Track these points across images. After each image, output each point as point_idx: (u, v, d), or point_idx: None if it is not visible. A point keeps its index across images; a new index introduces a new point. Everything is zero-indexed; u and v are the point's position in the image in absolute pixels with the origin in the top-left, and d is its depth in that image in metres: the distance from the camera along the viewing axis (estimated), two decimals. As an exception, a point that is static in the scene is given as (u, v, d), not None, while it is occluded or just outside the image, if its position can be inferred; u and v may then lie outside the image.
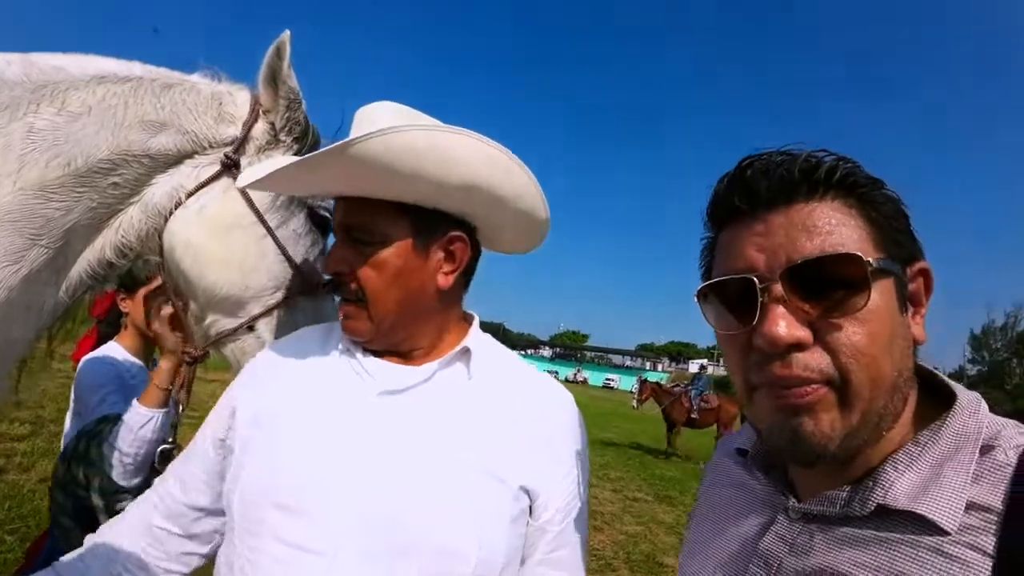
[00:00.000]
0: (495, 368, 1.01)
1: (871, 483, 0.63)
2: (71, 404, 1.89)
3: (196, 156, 1.13)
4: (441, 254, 0.98)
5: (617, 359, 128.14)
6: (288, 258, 1.19)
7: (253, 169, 1.04)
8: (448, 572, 0.83)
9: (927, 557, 0.56)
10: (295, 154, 1.19)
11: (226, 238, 1.13)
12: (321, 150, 0.86)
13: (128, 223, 1.09)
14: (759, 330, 0.63)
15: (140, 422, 1.41)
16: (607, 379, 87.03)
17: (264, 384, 1.01)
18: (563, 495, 0.95)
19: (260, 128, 1.18)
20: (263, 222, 1.16)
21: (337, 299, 0.99)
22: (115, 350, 1.92)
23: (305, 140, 1.22)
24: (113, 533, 1.03)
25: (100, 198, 1.03)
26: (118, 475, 1.41)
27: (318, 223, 1.27)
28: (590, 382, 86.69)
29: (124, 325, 2.01)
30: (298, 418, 0.93)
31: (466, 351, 0.99)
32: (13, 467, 4.82)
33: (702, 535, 0.84)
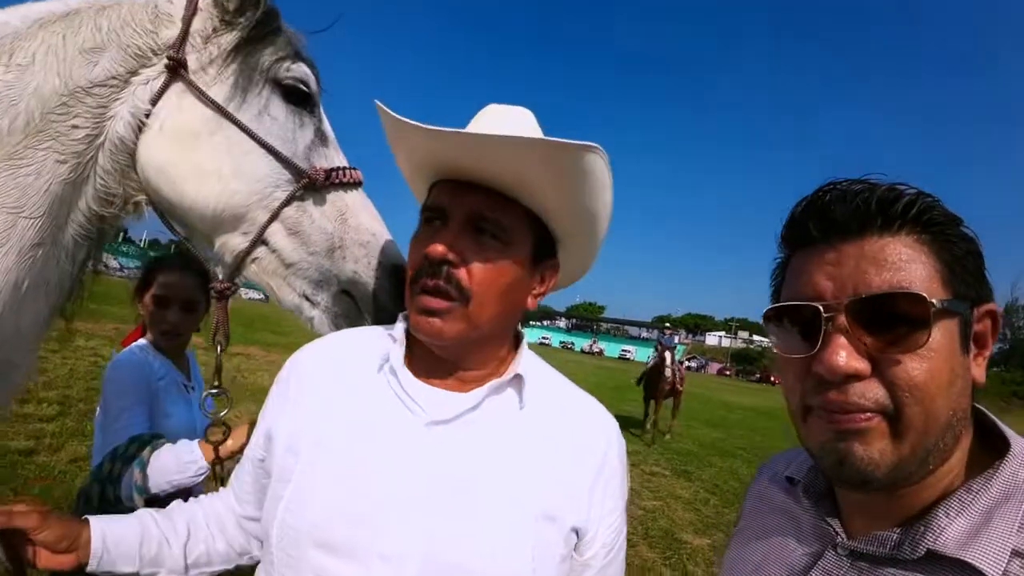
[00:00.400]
0: (543, 394, 0.96)
1: (922, 527, 0.64)
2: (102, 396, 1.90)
3: (143, 70, 1.02)
4: (539, 277, 0.97)
5: (634, 331, 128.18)
6: (273, 151, 1.07)
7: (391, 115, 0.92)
8: None
9: None
10: (248, 30, 1.08)
11: (195, 147, 1.02)
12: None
13: (102, 167, 1.01)
14: (819, 357, 0.65)
15: (194, 471, 1.44)
16: (623, 350, 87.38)
17: (298, 407, 0.94)
18: (608, 530, 0.92)
19: (203, 18, 1.07)
20: (226, 115, 1.04)
21: (417, 289, 0.90)
22: (144, 348, 1.93)
23: (254, 11, 1.09)
24: (213, 501, 1.09)
25: (65, 147, 0.96)
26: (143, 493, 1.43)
27: (296, 101, 1.13)
28: (606, 353, 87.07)
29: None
30: (339, 450, 0.86)
31: (518, 378, 0.94)
32: (43, 448, 4.88)
33: (746, 562, 0.85)
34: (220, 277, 1.13)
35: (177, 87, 1.03)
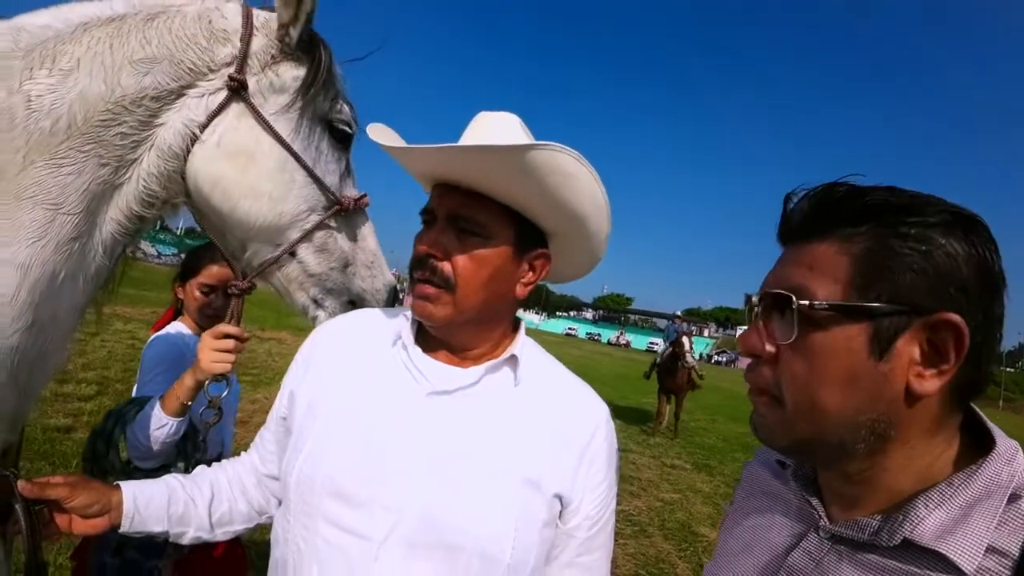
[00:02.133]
0: (538, 376, 1.05)
1: (901, 517, 0.65)
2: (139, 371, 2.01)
3: (199, 84, 1.07)
4: (527, 266, 1.04)
5: (662, 322, 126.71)
6: (317, 180, 1.18)
7: (387, 133, 1.06)
8: (484, 571, 0.89)
9: None
10: (310, 68, 1.16)
11: (251, 168, 1.10)
12: (498, 144, 0.91)
13: (147, 171, 1.05)
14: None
15: (156, 424, 1.44)
16: (651, 343, 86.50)
17: (319, 372, 1.06)
18: (593, 504, 1.00)
19: (261, 42, 1.12)
20: (286, 146, 1.13)
21: (414, 280, 1.02)
22: (180, 329, 2.04)
23: (315, 53, 1.16)
24: (235, 465, 1.18)
25: (109, 152, 1.00)
26: (134, 458, 1.47)
27: (339, 138, 1.25)
28: (633, 345, 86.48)
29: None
30: (354, 413, 0.98)
31: (513, 358, 1.03)
32: (81, 426, 5.10)
33: (735, 541, 0.88)
34: (242, 277, 1.26)
35: (236, 107, 1.09)
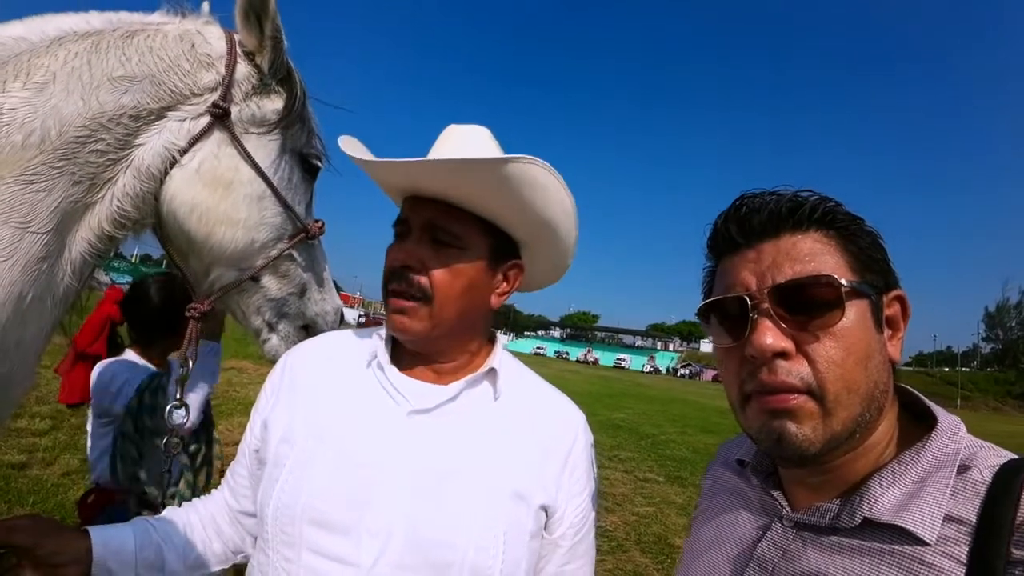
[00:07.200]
0: (516, 387, 1.05)
1: (858, 498, 0.69)
2: (91, 404, 1.93)
3: (180, 107, 1.06)
4: (501, 276, 1.05)
5: (628, 339, 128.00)
6: (290, 209, 1.21)
7: (356, 146, 1.05)
8: None
9: (908, 565, 0.63)
10: (288, 101, 1.18)
11: (229, 196, 1.12)
12: (473, 158, 0.92)
13: (122, 191, 1.03)
14: (749, 340, 0.71)
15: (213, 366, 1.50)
16: (618, 359, 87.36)
17: (292, 399, 1.03)
18: (576, 512, 1.00)
19: (243, 71, 1.12)
20: (265, 177, 1.15)
21: (389, 293, 1.01)
22: (131, 356, 1.98)
23: (292, 84, 1.19)
24: (207, 504, 1.13)
25: (82, 170, 0.97)
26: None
27: (308, 170, 1.29)
28: (601, 362, 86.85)
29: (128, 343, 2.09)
30: (331, 437, 0.95)
31: (492, 371, 1.03)
32: (36, 462, 4.89)
33: (702, 540, 0.90)
34: (201, 300, 1.25)
35: (218, 135, 1.10)
